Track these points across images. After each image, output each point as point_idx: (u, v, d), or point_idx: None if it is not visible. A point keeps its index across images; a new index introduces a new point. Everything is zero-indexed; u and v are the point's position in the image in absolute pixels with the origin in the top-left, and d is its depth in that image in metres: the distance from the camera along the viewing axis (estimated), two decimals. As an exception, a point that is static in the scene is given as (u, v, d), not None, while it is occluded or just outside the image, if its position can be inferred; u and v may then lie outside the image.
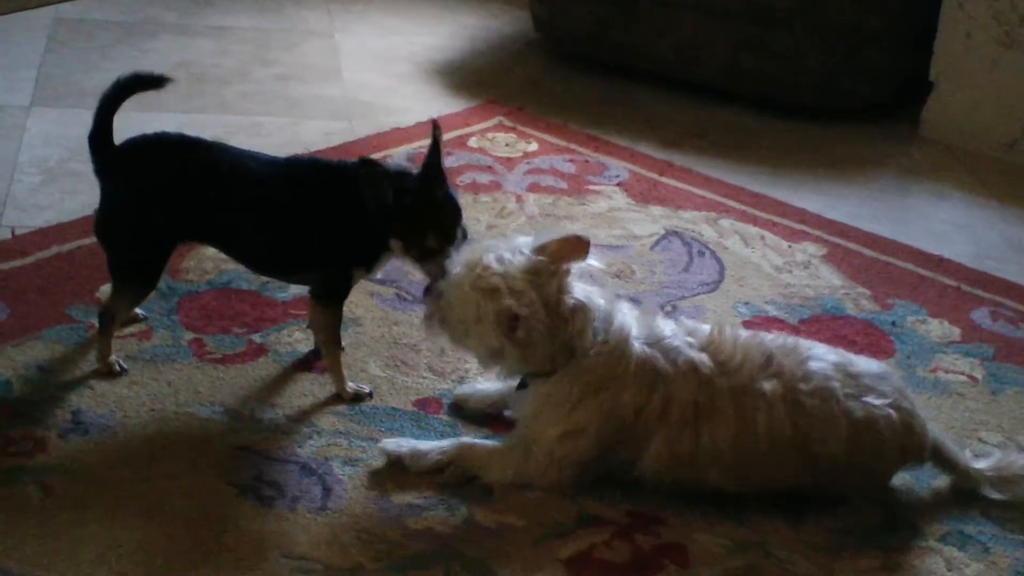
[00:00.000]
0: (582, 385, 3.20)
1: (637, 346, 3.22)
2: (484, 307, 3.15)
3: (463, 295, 3.19)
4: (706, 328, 3.30)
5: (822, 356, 3.25)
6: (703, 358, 3.20)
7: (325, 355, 3.58)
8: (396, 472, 3.31)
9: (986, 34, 5.17)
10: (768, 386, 3.17)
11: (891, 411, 3.20)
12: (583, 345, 3.18)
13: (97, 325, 3.59)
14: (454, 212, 3.40)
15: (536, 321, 3.12)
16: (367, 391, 3.56)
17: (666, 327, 3.29)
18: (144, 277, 3.56)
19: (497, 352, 3.21)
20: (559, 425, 3.21)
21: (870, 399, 3.20)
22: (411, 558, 3.05)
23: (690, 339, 3.25)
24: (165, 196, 3.46)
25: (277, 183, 3.48)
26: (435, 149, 3.37)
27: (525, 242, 3.22)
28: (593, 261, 3.22)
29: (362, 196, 3.33)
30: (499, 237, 3.37)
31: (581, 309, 3.17)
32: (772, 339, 3.29)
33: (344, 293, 3.55)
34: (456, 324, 3.25)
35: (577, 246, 3.17)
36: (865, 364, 3.31)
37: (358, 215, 3.37)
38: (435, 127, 3.39)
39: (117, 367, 3.59)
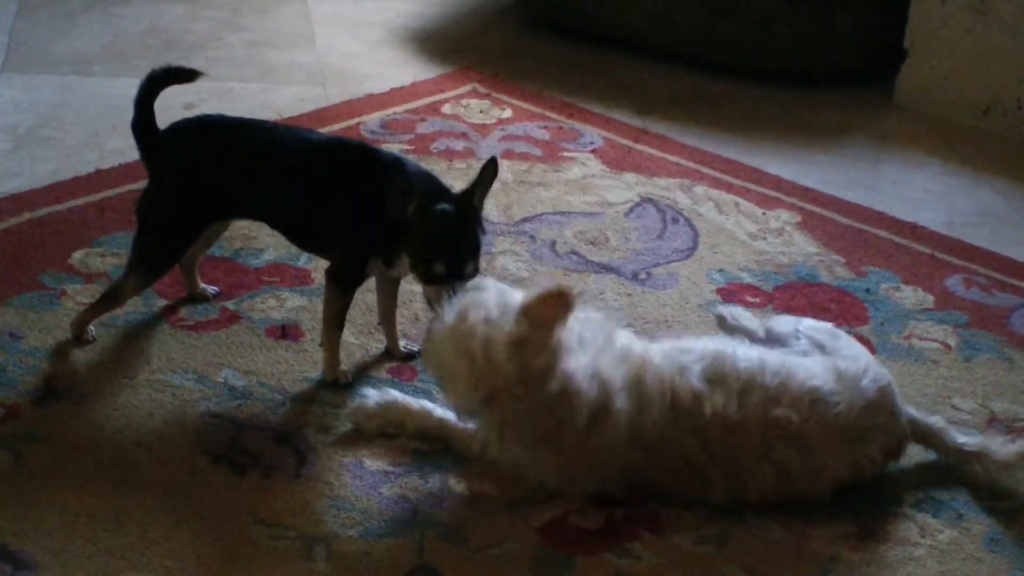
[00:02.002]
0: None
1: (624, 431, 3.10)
2: (457, 368, 3.05)
3: (442, 349, 3.10)
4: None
5: (805, 376, 3.17)
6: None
7: (323, 333, 3.53)
8: (369, 439, 3.31)
9: (960, 2, 5.17)
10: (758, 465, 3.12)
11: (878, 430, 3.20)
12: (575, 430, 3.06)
13: (97, 297, 3.63)
14: (470, 246, 3.29)
15: (512, 400, 3.03)
16: (347, 380, 3.50)
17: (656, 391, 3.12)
18: (166, 258, 3.58)
19: (472, 414, 3.16)
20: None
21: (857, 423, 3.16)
22: (384, 525, 3.05)
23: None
24: (205, 177, 3.50)
25: (308, 160, 3.48)
26: (483, 185, 3.32)
27: (517, 297, 3.10)
28: (589, 313, 3.16)
29: (385, 196, 3.29)
30: (497, 283, 3.18)
31: (567, 396, 3.03)
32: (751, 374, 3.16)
33: (356, 279, 3.48)
34: (434, 372, 3.21)
35: (559, 303, 3.00)
36: (844, 366, 3.22)
37: (380, 204, 3.32)
38: (491, 166, 3.33)
39: (90, 335, 3.58)
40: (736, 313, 3.59)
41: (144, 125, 3.53)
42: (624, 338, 3.21)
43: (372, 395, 3.35)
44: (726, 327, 3.57)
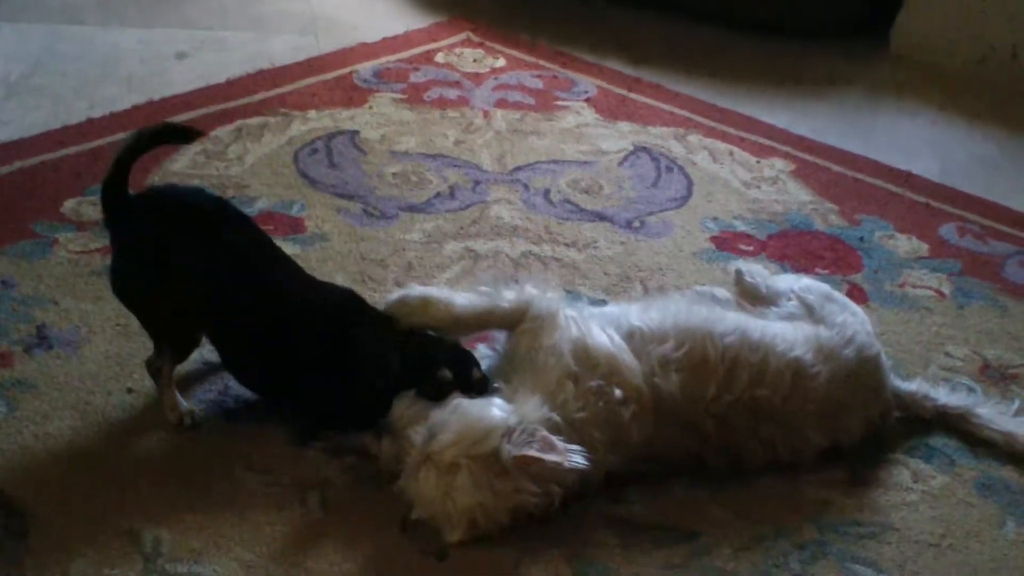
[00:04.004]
0: None
1: None
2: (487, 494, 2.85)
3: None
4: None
5: (785, 347, 3.12)
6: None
7: None
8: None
9: (956, -51, 5.17)
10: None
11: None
12: None
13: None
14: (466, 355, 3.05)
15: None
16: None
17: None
18: (179, 339, 3.15)
19: None
20: None
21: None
22: (377, 473, 3.04)
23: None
24: (172, 265, 3.06)
25: (292, 302, 3.10)
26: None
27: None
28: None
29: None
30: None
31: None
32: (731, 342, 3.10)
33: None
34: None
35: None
36: (826, 335, 3.19)
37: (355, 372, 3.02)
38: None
39: (188, 419, 3.15)
40: (755, 271, 3.56)
41: (116, 188, 3.06)
42: (596, 337, 3.04)
43: (415, 290, 3.12)
44: (743, 283, 3.53)
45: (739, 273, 3.57)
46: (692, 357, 3.06)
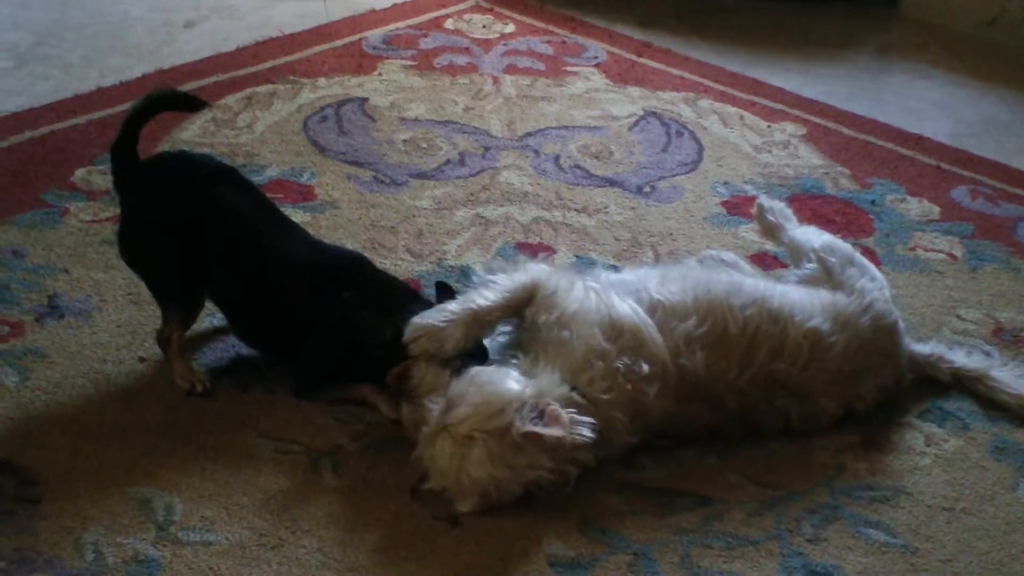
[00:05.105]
0: None
1: None
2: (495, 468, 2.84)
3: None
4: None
5: (804, 317, 3.12)
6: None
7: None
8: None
9: (967, -90, 5.14)
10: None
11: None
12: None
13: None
14: None
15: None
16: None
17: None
18: (184, 299, 3.18)
19: None
20: None
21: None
22: (389, 438, 3.05)
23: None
24: (177, 227, 3.12)
25: (293, 262, 3.16)
26: None
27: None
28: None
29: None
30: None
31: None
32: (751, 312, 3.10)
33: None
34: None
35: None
36: (844, 303, 3.19)
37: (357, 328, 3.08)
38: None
39: (200, 387, 3.16)
40: (777, 210, 3.57)
41: (125, 151, 3.14)
42: (619, 308, 3.03)
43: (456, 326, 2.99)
44: (764, 219, 3.56)
45: (760, 208, 3.59)
46: (714, 332, 3.06)
